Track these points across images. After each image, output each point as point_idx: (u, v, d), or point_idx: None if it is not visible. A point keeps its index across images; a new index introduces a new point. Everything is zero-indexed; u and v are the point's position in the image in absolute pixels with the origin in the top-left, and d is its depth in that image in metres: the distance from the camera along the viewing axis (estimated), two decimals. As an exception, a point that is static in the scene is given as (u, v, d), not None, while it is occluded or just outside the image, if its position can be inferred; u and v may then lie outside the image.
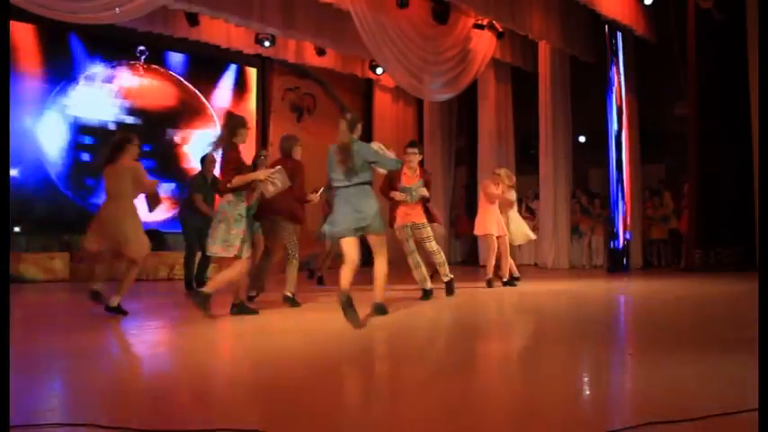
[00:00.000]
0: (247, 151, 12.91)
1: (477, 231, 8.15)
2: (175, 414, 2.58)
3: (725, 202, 10.42)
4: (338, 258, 5.65)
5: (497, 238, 7.91)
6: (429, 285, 6.56)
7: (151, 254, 9.41)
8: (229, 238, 5.18)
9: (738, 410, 2.39)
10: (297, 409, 2.62)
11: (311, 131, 12.97)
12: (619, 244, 11.08)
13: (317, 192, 6.34)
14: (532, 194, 12.83)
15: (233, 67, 12.45)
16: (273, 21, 9.99)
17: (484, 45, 11.57)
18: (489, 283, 7.88)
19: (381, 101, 14.03)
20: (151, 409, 2.67)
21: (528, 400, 2.77)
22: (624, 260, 11.14)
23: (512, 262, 8.18)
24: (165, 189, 10.78)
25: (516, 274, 8.29)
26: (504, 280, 8.03)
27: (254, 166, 7.12)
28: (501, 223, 7.98)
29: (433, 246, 6.60)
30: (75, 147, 10.38)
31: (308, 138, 13.06)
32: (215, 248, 5.23)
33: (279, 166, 5.60)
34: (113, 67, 10.92)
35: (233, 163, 5.39)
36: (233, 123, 5.59)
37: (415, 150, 6.65)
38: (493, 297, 7.11)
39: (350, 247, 5.03)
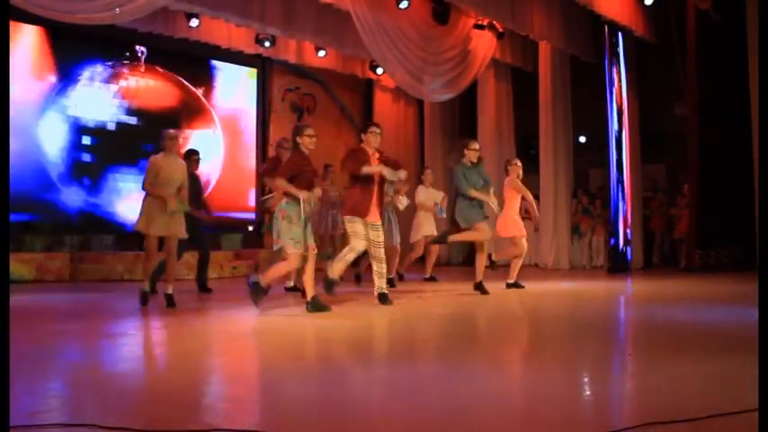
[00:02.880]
0: (249, 152, 12.82)
1: (504, 233, 7.84)
2: (175, 414, 2.58)
3: (725, 202, 10.41)
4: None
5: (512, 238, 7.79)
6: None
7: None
8: (294, 236, 5.51)
9: (738, 410, 2.40)
10: (297, 409, 2.62)
11: (311, 132, 12.96)
12: (619, 244, 11.07)
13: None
14: (531, 195, 12.81)
15: (233, 68, 12.44)
16: (273, 21, 9.98)
17: (484, 45, 11.56)
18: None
19: (381, 101, 14.02)
20: (151, 410, 2.67)
21: (528, 399, 2.77)
22: (625, 260, 11.13)
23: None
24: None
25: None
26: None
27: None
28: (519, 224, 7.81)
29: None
30: (75, 147, 10.38)
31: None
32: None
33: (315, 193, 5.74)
34: (113, 67, 10.91)
35: (290, 165, 5.76)
36: (295, 130, 5.90)
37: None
38: (492, 298, 7.11)
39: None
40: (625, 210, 11.21)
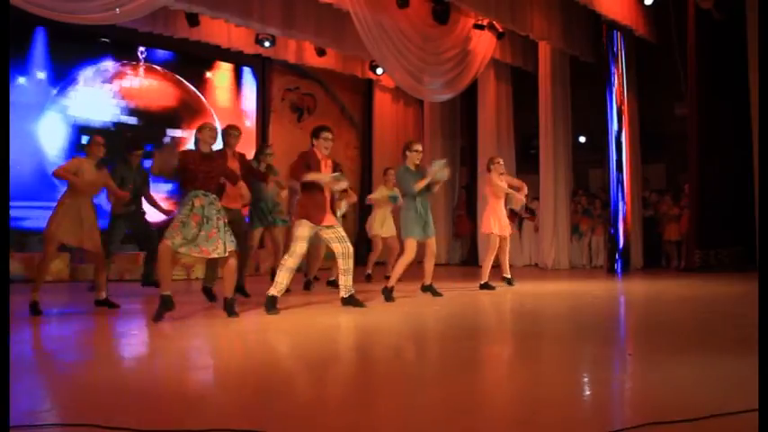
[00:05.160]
0: (248, 153, 12.97)
1: (483, 229, 8.11)
2: (175, 414, 2.58)
3: (725, 202, 10.42)
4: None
5: (500, 237, 7.89)
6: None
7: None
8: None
9: (738, 410, 2.40)
10: (297, 409, 2.62)
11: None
12: (619, 244, 11.07)
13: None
14: (532, 195, 12.83)
15: (233, 68, 12.45)
16: (273, 21, 10.00)
17: (484, 45, 11.57)
18: (488, 286, 7.74)
19: (381, 101, 14.03)
20: (151, 410, 2.67)
21: (528, 400, 2.77)
22: (624, 261, 11.13)
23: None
24: (165, 189, 10.78)
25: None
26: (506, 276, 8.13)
27: (257, 161, 7.21)
28: (504, 222, 7.96)
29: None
30: (75, 147, 10.38)
31: (308, 138, 13.06)
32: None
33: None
34: (113, 67, 10.92)
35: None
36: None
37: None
38: (492, 298, 7.12)
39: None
40: (625, 210, 11.22)
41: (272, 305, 5.62)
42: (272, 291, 5.70)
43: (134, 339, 4.68)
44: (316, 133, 6.01)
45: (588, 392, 2.95)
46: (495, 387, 3.11)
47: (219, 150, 5.81)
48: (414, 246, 6.61)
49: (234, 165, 6.08)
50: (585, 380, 3.20)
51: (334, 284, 7.80)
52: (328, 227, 5.91)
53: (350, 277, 6.00)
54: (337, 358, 3.83)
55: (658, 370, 3.23)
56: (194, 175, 5.23)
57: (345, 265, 5.94)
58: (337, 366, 3.60)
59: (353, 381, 3.22)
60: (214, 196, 5.34)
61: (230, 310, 5.37)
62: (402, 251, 6.85)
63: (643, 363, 3.53)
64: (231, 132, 6.56)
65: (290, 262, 5.77)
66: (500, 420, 2.51)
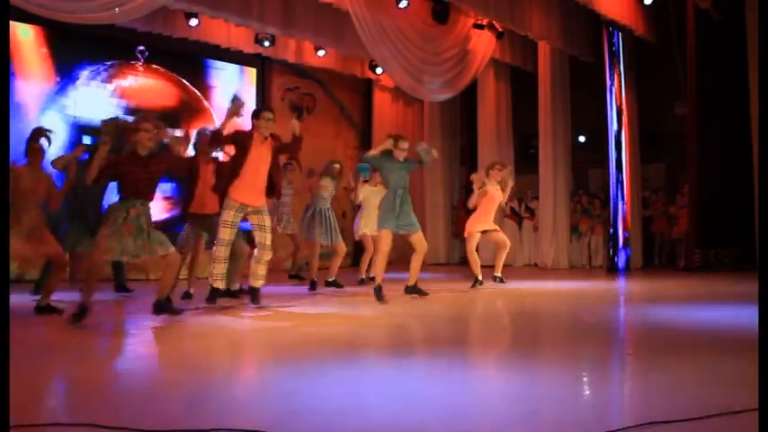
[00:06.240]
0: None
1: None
2: (175, 414, 2.58)
3: (725, 202, 10.43)
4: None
5: (483, 233, 7.91)
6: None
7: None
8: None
9: (738, 410, 2.40)
10: (297, 409, 2.62)
11: (311, 131, 12.95)
12: (618, 244, 11.08)
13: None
14: (531, 194, 12.85)
15: (233, 67, 12.44)
16: (273, 20, 10.00)
17: (483, 45, 11.57)
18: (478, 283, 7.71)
19: (381, 100, 14.02)
20: (151, 409, 2.67)
21: (528, 399, 2.77)
22: (624, 260, 11.13)
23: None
24: (165, 189, 10.77)
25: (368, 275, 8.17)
26: (495, 275, 8.13)
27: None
28: (485, 219, 7.94)
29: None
30: (75, 147, 10.37)
31: (308, 137, 13.05)
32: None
33: None
34: (113, 67, 10.91)
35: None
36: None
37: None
38: (491, 298, 7.11)
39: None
40: (624, 210, 11.22)
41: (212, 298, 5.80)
42: (214, 282, 5.79)
43: (133, 339, 4.68)
44: (256, 114, 5.90)
45: (588, 392, 2.95)
46: (495, 386, 3.11)
47: (161, 152, 5.43)
48: (388, 237, 6.40)
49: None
50: (585, 379, 3.20)
51: (334, 284, 7.80)
52: (255, 210, 5.73)
53: (263, 266, 5.84)
54: (337, 358, 3.83)
55: (658, 370, 3.23)
56: (132, 181, 5.03)
57: (262, 256, 5.80)
58: (337, 366, 3.59)
59: (353, 381, 3.21)
60: (148, 205, 5.16)
61: (159, 309, 5.22)
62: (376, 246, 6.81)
63: (643, 362, 3.53)
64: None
65: (219, 252, 5.69)
66: (500, 420, 2.51)
